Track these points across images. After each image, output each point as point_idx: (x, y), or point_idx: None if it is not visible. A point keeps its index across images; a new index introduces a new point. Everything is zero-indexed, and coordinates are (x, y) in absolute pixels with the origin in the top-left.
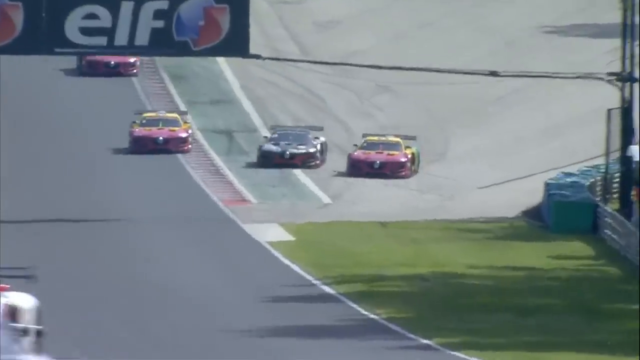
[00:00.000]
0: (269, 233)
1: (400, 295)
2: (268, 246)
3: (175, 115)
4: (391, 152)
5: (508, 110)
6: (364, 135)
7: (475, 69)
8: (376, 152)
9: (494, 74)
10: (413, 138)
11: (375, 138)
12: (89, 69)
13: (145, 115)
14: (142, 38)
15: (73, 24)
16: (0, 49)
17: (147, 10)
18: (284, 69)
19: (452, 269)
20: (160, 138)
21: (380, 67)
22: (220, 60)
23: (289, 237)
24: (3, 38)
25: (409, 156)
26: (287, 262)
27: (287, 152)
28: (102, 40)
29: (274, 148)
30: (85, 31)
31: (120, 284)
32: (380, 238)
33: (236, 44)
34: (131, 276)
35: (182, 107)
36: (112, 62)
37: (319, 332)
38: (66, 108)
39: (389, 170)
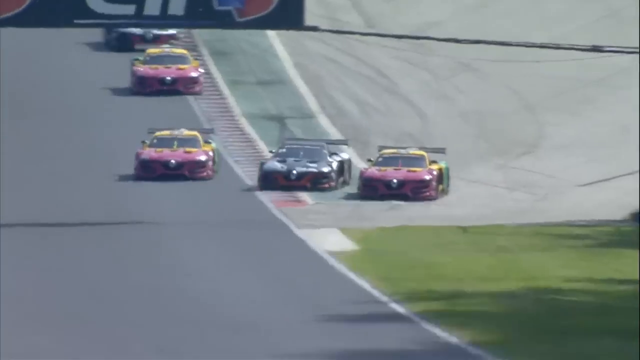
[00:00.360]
0: (329, 240)
1: (485, 315)
2: (327, 256)
3: (194, 133)
4: (412, 169)
5: (612, 94)
6: (380, 148)
7: (572, 43)
8: (394, 169)
9: (596, 49)
10: (442, 151)
11: (393, 151)
12: (140, 87)
13: (157, 134)
14: (177, 7)
15: None
16: (6, 21)
17: None
18: (346, 43)
19: (546, 283)
20: (172, 161)
21: (459, 41)
22: (271, 34)
23: (352, 246)
24: (10, 7)
25: (435, 173)
26: (350, 275)
27: (294, 172)
28: (129, 9)
29: (278, 166)
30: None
31: (153, 301)
32: (460, 246)
33: (289, 14)
34: (167, 291)
35: (225, 90)
36: (168, 78)
37: (388, 358)
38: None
39: (410, 191)
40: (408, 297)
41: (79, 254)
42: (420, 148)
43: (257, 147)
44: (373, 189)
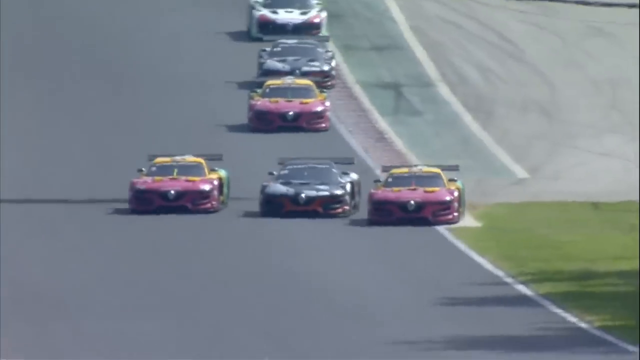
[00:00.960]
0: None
1: (617, 297)
2: (448, 234)
3: (199, 160)
4: (429, 188)
5: None
6: (385, 169)
7: None
8: (409, 189)
9: None
10: (455, 168)
11: (404, 170)
12: (258, 122)
13: (157, 160)
14: None
15: None
16: None
17: None
18: (466, 6)
19: None
20: (172, 192)
21: (589, 4)
22: None
23: (475, 223)
24: None
25: (456, 193)
26: (472, 254)
27: (302, 196)
28: None
29: (283, 189)
30: None
31: (256, 282)
32: (591, 223)
33: None
34: (270, 272)
35: (338, 55)
36: (291, 113)
37: (513, 344)
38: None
39: (431, 214)
40: (535, 278)
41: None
42: (431, 166)
43: (370, 117)
44: (386, 213)
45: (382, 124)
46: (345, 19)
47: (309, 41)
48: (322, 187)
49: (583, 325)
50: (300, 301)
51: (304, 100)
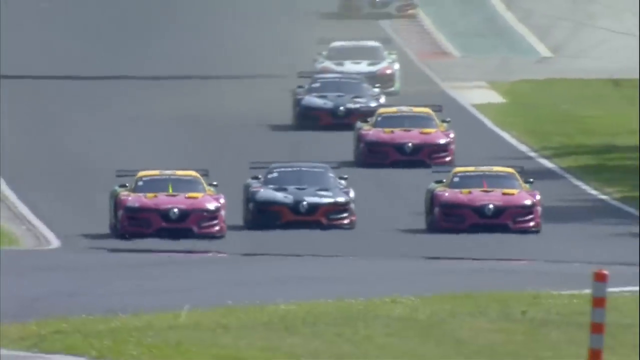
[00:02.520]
0: (475, 94)
1: (637, 170)
2: (474, 110)
3: (192, 173)
4: (506, 190)
5: None
6: (435, 169)
7: None
8: (482, 191)
9: None
10: (518, 170)
11: (470, 169)
12: (371, 156)
13: (142, 174)
14: None
15: None
16: None
17: None
18: None
19: None
20: (175, 210)
21: None
22: None
23: (500, 99)
24: None
25: (537, 197)
26: (496, 129)
27: (304, 203)
28: None
29: (279, 196)
30: None
31: None
32: (612, 100)
33: None
34: None
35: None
36: (410, 145)
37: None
38: None
39: (512, 220)
40: (557, 152)
41: None
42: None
43: None
44: (458, 219)
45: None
46: None
47: (353, 75)
48: (324, 193)
49: (603, 197)
50: None
51: (424, 130)
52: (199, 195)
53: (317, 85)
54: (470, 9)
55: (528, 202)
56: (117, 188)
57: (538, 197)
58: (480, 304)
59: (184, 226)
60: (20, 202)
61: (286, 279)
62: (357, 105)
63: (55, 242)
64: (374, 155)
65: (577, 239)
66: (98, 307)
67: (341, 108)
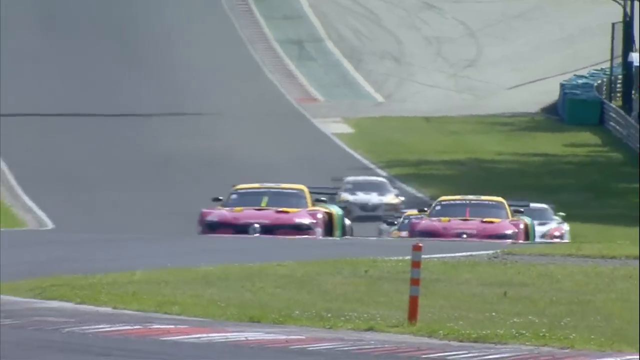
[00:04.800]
0: (334, 126)
1: (442, 177)
2: (333, 137)
3: (300, 187)
4: (488, 219)
5: (528, 24)
6: (436, 201)
7: None
8: (461, 219)
9: None
10: (525, 205)
11: (458, 197)
12: None
13: (239, 187)
14: None
15: None
16: None
17: None
18: None
19: (484, 156)
20: (256, 225)
21: None
22: None
23: (350, 130)
24: None
25: (522, 226)
26: (348, 149)
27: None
28: None
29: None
30: None
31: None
32: (425, 130)
33: None
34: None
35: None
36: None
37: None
38: None
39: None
40: (388, 164)
41: None
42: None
43: (285, 62)
44: None
45: (292, 66)
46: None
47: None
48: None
49: (420, 195)
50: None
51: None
52: (294, 210)
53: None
54: (329, 70)
55: (508, 231)
56: (213, 201)
57: (522, 226)
58: (337, 266)
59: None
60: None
61: (209, 251)
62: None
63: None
64: None
65: None
66: (82, 269)
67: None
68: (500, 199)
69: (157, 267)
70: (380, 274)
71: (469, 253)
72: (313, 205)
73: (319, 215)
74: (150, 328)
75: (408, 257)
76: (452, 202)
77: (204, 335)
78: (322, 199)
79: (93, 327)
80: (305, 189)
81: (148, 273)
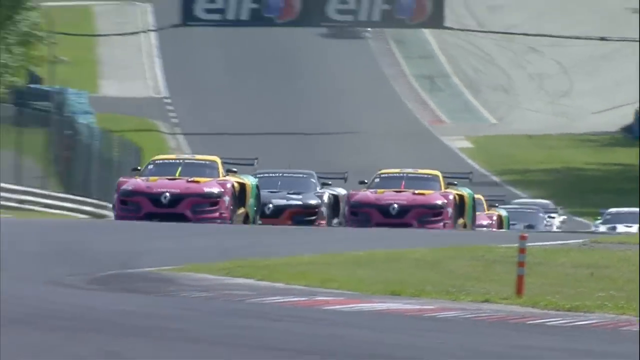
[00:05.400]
0: (459, 143)
1: (541, 182)
2: (457, 151)
3: (212, 158)
4: (421, 191)
5: (610, 63)
6: (376, 174)
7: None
8: (395, 191)
9: (603, 39)
10: (467, 176)
11: (396, 170)
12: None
13: (157, 157)
14: (375, 15)
15: (331, 6)
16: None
17: None
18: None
19: (575, 165)
20: (167, 194)
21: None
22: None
23: (470, 145)
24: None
25: (451, 197)
26: (469, 161)
27: (270, 206)
28: (349, 18)
29: None
30: (341, 11)
31: None
32: (528, 146)
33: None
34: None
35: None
36: (395, 206)
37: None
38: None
39: (416, 220)
40: (498, 172)
41: None
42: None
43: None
44: (364, 217)
45: (424, 96)
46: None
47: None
48: (294, 196)
49: (524, 195)
50: None
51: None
52: (204, 179)
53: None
54: (454, 98)
55: (438, 202)
56: (132, 171)
57: (452, 198)
58: (460, 252)
59: (176, 211)
60: None
61: (357, 239)
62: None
63: None
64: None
65: None
66: (261, 254)
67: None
68: (435, 172)
69: (318, 252)
70: (494, 258)
71: (564, 242)
72: (224, 176)
73: (228, 185)
74: (314, 300)
75: (516, 245)
76: (390, 175)
77: (356, 305)
78: (234, 169)
79: (269, 299)
80: (218, 160)
81: (313, 256)
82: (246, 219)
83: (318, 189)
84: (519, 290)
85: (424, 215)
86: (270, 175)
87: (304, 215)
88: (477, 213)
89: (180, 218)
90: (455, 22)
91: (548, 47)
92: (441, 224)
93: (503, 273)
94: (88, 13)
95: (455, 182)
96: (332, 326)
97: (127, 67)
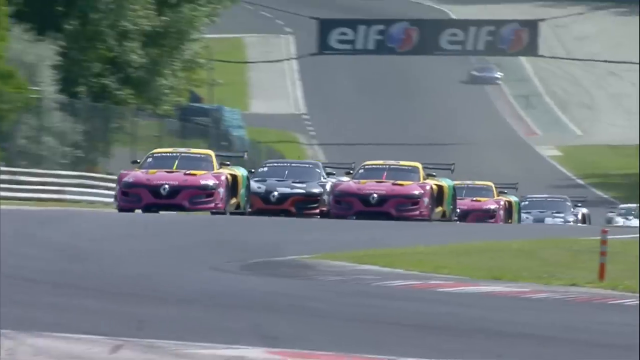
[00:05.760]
0: (549, 151)
1: (620, 185)
2: (548, 158)
3: (206, 152)
4: (400, 182)
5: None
6: (360, 165)
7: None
8: (376, 181)
9: None
10: (449, 167)
11: (380, 162)
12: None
13: (155, 151)
14: (480, 45)
15: (444, 38)
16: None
17: (481, 32)
18: None
19: None
20: (166, 186)
21: None
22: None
23: (559, 153)
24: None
25: (428, 188)
26: (559, 167)
27: (274, 194)
28: (458, 48)
29: (254, 187)
30: (451, 42)
31: None
32: (609, 154)
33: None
34: None
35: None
36: (375, 196)
37: None
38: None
39: (394, 208)
40: (583, 176)
41: None
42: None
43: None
44: (346, 206)
45: (521, 112)
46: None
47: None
48: (298, 185)
49: (605, 196)
50: None
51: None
52: (200, 172)
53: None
54: (546, 114)
55: (415, 192)
56: (132, 164)
57: (429, 188)
58: (551, 243)
59: (174, 202)
60: None
61: (460, 233)
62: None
63: None
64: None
65: None
66: (384, 244)
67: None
68: (416, 164)
69: (431, 244)
70: (579, 248)
71: (636, 235)
72: (218, 168)
73: (222, 178)
74: (428, 283)
75: (598, 237)
76: (373, 166)
77: (465, 288)
78: (227, 162)
79: (391, 282)
80: (212, 154)
81: (425, 247)
82: (237, 208)
83: (322, 178)
84: (601, 276)
85: (401, 204)
86: (278, 165)
87: (306, 203)
88: (486, 198)
89: (179, 208)
90: (547, 50)
91: (625, 72)
92: (417, 212)
93: (587, 261)
94: (240, 44)
95: (434, 174)
96: (444, 305)
97: (272, 89)
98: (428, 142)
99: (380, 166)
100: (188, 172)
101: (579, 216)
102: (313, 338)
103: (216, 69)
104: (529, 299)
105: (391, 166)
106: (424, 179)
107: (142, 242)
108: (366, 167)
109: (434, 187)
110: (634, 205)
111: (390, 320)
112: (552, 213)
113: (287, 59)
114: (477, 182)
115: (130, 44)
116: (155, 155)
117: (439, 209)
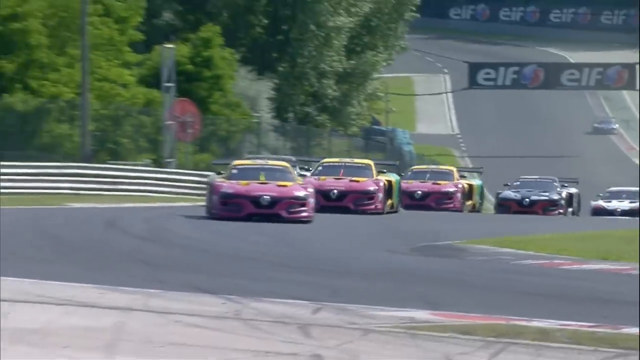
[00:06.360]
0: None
1: None
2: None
3: (284, 164)
4: (356, 178)
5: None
6: (319, 163)
7: None
8: (335, 179)
9: None
10: (393, 164)
11: (336, 160)
12: None
13: (237, 163)
14: (591, 82)
15: (564, 77)
16: None
17: (593, 72)
18: None
19: None
20: (266, 197)
21: None
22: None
23: None
24: None
25: (382, 184)
26: None
27: (527, 200)
28: (575, 84)
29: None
30: (570, 80)
31: None
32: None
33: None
34: None
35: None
36: (420, 192)
37: None
38: None
39: (352, 203)
40: None
41: None
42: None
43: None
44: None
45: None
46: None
47: (547, 177)
48: (543, 194)
49: None
50: None
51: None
52: (289, 183)
53: (517, 183)
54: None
55: (371, 188)
56: (212, 175)
57: (382, 184)
58: (602, 235)
59: (273, 212)
60: None
61: (567, 226)
62: (541, 197)
63: None
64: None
65: None
66: (515, 233)
67: (526, 200)
68: (368, 161)
69: (550, 232)
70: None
71: None
72: (376, 175)
73: (381, 184)
74: (553, 262)
75: None
76: (331, 164)
77: (580, 266)
78: (383, 170)
79: (524, 261)
80: (372, 163)
81: (549, 235)
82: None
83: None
84: None
85: (358, 199)
86: (334, 165)
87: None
88: (445, 182)
89: (276, 218)
90: None
91: None
92: (373, 206)
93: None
94: (409, 81)
95: (385, 170)
96: (564, 279)
97: (434, 115)
98: (552, 155)
99: (337, 164)
100: (280, 183)
101: (564, 194)
102: (465, 303)
103: (391, 100)
104: (629, 275)
105: (347, 164)
106: (376, 175)
107: (329, 231)
108: (324, 164)
109: (386, 182)
110: None
111: (524, 291)
112: (539, 192)
113: (445, 92)
114: (440, 167)
115: (327, 81)
116: (237, 167)
117: (389, 201)
